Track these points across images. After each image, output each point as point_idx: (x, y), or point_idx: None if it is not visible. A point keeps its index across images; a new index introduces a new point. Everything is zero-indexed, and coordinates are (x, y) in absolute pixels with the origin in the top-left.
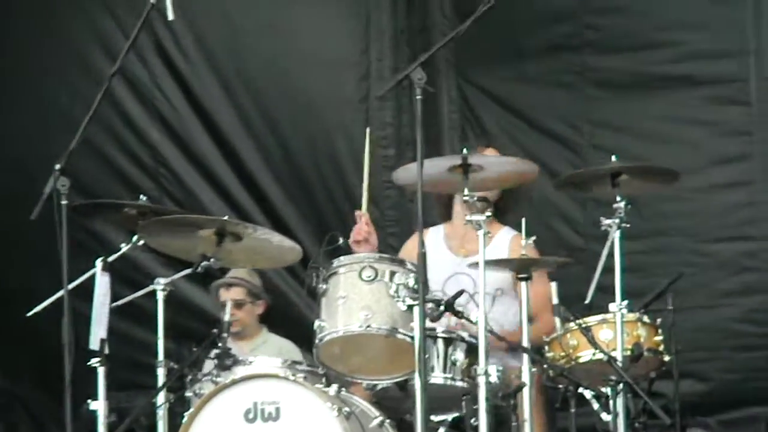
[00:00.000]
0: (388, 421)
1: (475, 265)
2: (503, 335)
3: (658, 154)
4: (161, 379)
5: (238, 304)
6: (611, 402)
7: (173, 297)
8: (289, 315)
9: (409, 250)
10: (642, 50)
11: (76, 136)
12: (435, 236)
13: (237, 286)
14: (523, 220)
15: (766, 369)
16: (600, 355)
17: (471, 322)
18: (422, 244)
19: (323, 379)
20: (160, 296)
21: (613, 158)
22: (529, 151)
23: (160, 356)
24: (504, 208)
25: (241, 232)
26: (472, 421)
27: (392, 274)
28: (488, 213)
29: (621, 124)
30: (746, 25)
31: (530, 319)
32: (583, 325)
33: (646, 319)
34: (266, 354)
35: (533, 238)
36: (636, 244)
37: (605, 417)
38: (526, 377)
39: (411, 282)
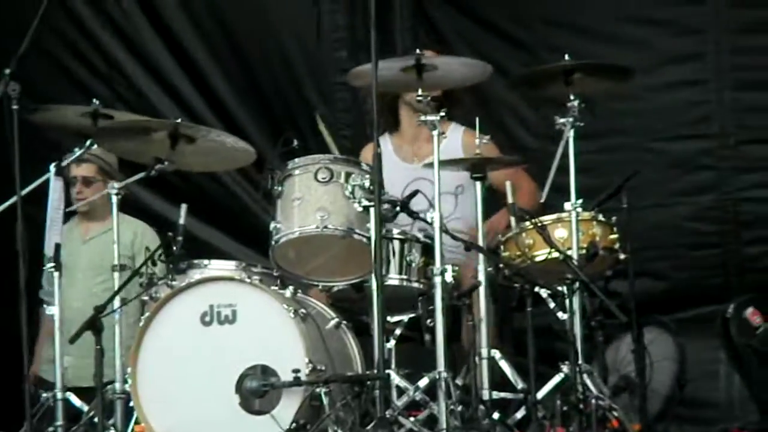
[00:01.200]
0: (344, 322)
1: (430, 166)
2: (471, 232)
3: (611, 53)
4: (116, 283)
5: (87, 182)
6: (567, 301)
7: (127, 200)
8: (244, 218)
9: (364, 158)
10: None
11: (25, 40)
12: (384, 148)
13: (89, 162)
14: (477, 119)
15: (721, 267)
16: (556, 254)
17: (427, 222)
18: (378, 144)
19: (278, 282)
20: (114, 200)
21: (566, 57)
22: (482, 51)
23: (115, 260)
24: (449, 104)
25: (195, 135)
26: (428, 321)
27: (348, 175)
28: (442, 113)
29: (574, 23)
30: None
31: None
32: (539, 224)
33: (601, 217)
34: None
35: (488, 137)
36: (590, 144)
37: (561, 316)
38: (481, 276)
39: (366, 183)
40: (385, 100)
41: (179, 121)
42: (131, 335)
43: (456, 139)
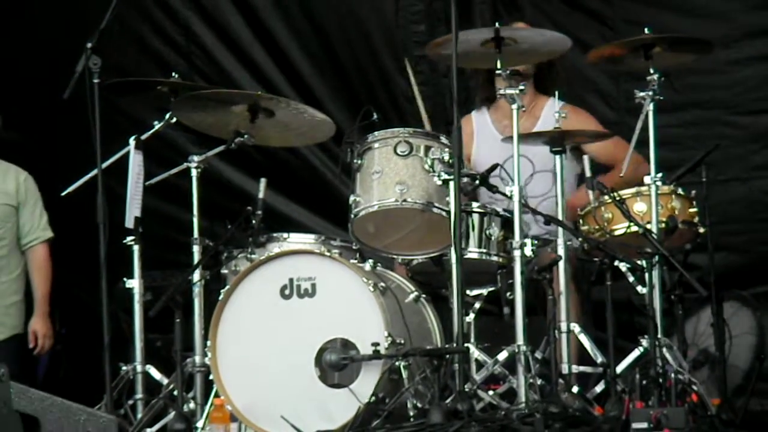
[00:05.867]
0: (423, 296)
1: (510, 139)
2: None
3: (690, 26)
4: (196, 256)
5: None
6: (647, 275)
7: (207, 174)
8: (323, 191)
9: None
10: None
11: (106, 15)
12: (481, 121)
13: None
14: (556, 92)
15: None
16: (635, 228)
17: (506, 196)
18: (458, 118)
19: (358, 255)
20: (194, 174)
21: (646, 30)
22: (561, 24)
23: (195, 234)
24: (543, 80)
25: (274, 107)
26: (508, 294)
27: (427, 148)
28: (522, 86)
29: None
30: None
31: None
32: (618, 198)
33: (680, 191)
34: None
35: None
36: (669, 117)
37: (641, 290)
38: (561, 251)
39: (446, 156)
40: (481, 73)
41: (259, 93)
42: (13, 290)
43: (551, 116)
